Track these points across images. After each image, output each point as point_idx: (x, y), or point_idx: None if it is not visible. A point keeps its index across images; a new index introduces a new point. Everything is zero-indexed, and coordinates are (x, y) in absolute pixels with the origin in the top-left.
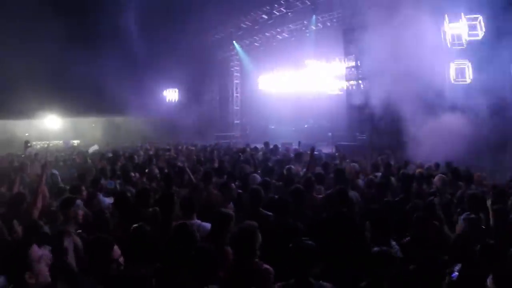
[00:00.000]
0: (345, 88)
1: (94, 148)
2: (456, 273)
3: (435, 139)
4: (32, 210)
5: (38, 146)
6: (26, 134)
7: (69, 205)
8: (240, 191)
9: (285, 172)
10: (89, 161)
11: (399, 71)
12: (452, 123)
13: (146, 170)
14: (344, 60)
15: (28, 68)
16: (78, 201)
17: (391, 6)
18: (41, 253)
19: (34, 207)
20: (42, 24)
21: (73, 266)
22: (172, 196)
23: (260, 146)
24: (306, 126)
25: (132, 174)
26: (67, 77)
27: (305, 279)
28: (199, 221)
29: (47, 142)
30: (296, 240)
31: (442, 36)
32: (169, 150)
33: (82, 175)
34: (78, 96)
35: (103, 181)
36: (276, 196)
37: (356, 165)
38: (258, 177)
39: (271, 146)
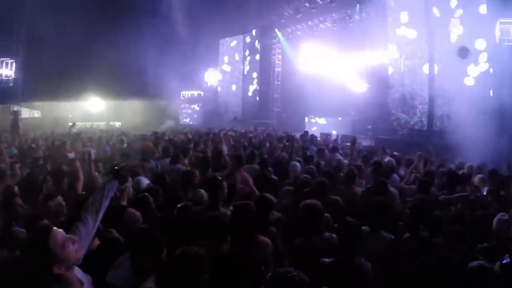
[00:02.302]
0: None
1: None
2: (508, 259)
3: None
4: (76, 184)
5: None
6: (70, 116)
7: (124, 181)
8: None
9: (334, 163)
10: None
11: None
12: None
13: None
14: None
15: (72, 53)
16: (129, 178)
17: None
18: (63, 236)
19: (77, 181)
20: (88, 14)
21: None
22: (220, 181)
23: (299, 135)
24: (343, 118)
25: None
26: (109, 61)
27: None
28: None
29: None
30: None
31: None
32: (208, 134)
33: (126, 154)
34: (120, 79)
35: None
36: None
37: (392, 159)
38: (298, 165)
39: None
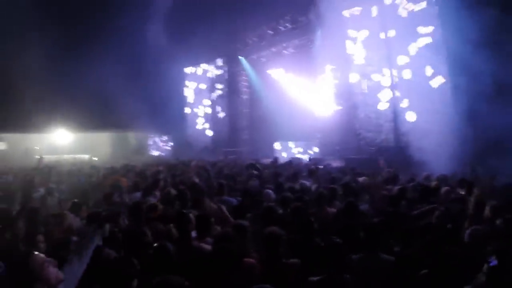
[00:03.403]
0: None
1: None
2: (495, 261)
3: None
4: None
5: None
6: (37, 148)
7: (96, 220)
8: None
9: (298, 187)
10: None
11: None
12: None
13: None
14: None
15: (40, 84)
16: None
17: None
18: (43, 258)
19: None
20: (48, 39)
21: None
22: (187, 214)
23: (269, 160)
24: (316, 140)
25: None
26: (77, 92)
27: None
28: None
29: (59, 156)
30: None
31: None
32: (177, 165)
33: (86, 193)
34: (88, 111)
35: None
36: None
37: (365, 178)
38: (271, 193)
39: (282, 161)
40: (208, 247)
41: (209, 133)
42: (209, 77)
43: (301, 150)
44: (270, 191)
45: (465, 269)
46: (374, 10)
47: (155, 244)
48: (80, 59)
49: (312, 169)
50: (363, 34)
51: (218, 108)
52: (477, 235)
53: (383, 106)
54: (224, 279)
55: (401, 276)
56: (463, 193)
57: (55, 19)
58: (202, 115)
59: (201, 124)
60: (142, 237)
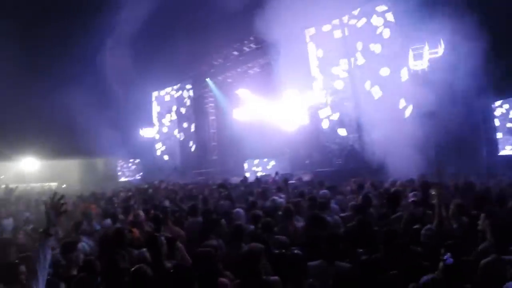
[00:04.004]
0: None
1: None
2: (451, 259)
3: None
4: None
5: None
6: (1, 177)
7: (72, 250)
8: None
9: (269, 203)
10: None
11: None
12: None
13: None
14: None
15: (5, 111)
16: (80, 245)
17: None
18: None
19: None
20: (10, 64)
21: None
22: (160, 238)
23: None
24: (284, 156)
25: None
26: (43, 119)
27: None
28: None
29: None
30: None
31: None
32: (147, 189)
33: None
34: (56, 138)
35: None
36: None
37: (327, 192)
38: (241, 212)
39: (252, 180)
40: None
41: (178, 155)
42: (176, 100)
43: (270, 167)
44: (240, 210)
45: (427, 268)
46: (336, 31)
47: (132, 269)
48: (46, 86)
49: (281, 185)
50: (324, 50)
51: (186, 130)
52: (430, 235)
53: (346, 117)
54: None
55: (363, 281)
56: (433, 193)
57: (17, 44)
58: (170, 137)
59: (169, 146)
60: (117, 263)
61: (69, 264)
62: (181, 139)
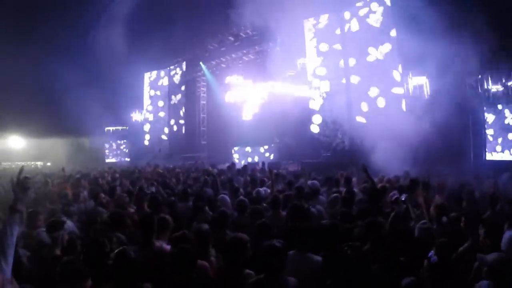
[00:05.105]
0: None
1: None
2: (435, 257)
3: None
4: None
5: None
6: None
7: (58, 228)
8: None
9: (254, 194)
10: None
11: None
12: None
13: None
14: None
15: None
16: (67, 225)
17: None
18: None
19: None
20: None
21: None
22: (152, 217)
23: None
24: (272, 145)
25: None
26: (31, 96)
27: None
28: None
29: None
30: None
31: None
32: (133, 172)
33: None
34: (43, 116)
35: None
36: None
37: (316, 182)
38: (227, 198)
39: (240, 167)
40: (168, 247)
41: (166, 138)
42: (168, 82)
43: (258, 155)
44: (225, 196)
45: (412, 265)
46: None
47: (115, 251)
48: (35, 63)
49: (268, 175)
50: (321, 42)
51: (176, 113)
52: (427, 228)
53: (338, 111)
54: (182, 280)
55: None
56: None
57: (10, 18)
58: (160, 120)
59: (158, 129)
60: (102, 246)
61: (54, 242)
62: (171, 122)
